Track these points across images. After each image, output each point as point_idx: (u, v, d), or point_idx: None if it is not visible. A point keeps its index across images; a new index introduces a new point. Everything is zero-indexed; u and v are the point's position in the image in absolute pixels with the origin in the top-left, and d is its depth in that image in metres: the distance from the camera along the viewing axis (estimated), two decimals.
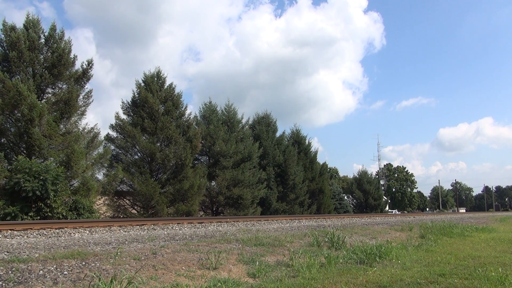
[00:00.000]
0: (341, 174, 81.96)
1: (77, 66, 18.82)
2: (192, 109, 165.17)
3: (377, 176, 68.44)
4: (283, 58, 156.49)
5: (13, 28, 17.28)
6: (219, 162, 26.01)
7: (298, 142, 37.25)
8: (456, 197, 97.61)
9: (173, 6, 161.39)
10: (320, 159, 75.18)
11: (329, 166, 54.65)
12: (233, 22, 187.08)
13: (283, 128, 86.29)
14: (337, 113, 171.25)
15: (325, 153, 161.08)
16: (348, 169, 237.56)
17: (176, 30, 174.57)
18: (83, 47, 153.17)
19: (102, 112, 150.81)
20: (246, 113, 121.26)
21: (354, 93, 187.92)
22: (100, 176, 19.94)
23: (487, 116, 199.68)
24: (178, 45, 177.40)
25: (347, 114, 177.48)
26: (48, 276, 4.68)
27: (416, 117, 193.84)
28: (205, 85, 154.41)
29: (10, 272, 4.65)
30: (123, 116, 22.98)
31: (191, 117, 25.38)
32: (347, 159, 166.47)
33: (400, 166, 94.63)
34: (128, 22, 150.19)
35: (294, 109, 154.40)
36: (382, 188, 59.06)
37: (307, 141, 37.99)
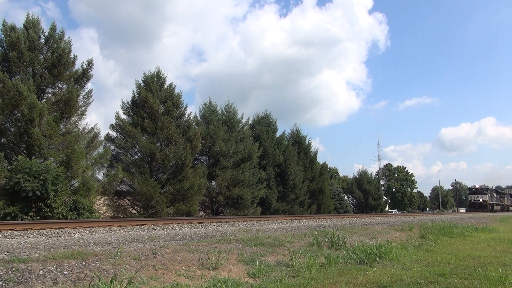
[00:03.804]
0: (341, 174, 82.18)
1: (77, 66, 18.86)
2: (193, 109, 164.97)
3: (377, 176, 68.39)
4: (288, 58, 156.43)
5: (13, 28, 17.27)
6: (219, 162, 26.02)
7: (298, 142, 37.23)
8: (456, 197, 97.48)
9: (178, 6, 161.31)
10: (322, 160, 75.19)
11: (329, 166, 54.76)
12: (238, 22, 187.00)
13: (287, 128, 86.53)
14: (340, 113, 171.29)
15: (327, 153, 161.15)
16: (348, 169, 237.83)
17: (180, 30, 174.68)
18: (87, 47, 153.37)
19: (105, 112, 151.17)
20: (250, 113, 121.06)
21: (358, 94, 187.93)
22: (100, 176, 19.99)
23: (489, 116, 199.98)
24: (182, 45, 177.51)
25: (350, 115, 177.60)
26: (48, 276, 4.68)
27: (419, 117, 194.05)
28: (208, 86, 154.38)
29: (10, 272, 4.65)
30: (123, 116, 23.01)
31: (191, 117, 25.41)
32: (347, 159, 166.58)
33: (400, 166, 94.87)
34: (133, 22, 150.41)
35: (297, 109, 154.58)
36: (382, 188, 59.01)
37: (307, 141, 38.03)
